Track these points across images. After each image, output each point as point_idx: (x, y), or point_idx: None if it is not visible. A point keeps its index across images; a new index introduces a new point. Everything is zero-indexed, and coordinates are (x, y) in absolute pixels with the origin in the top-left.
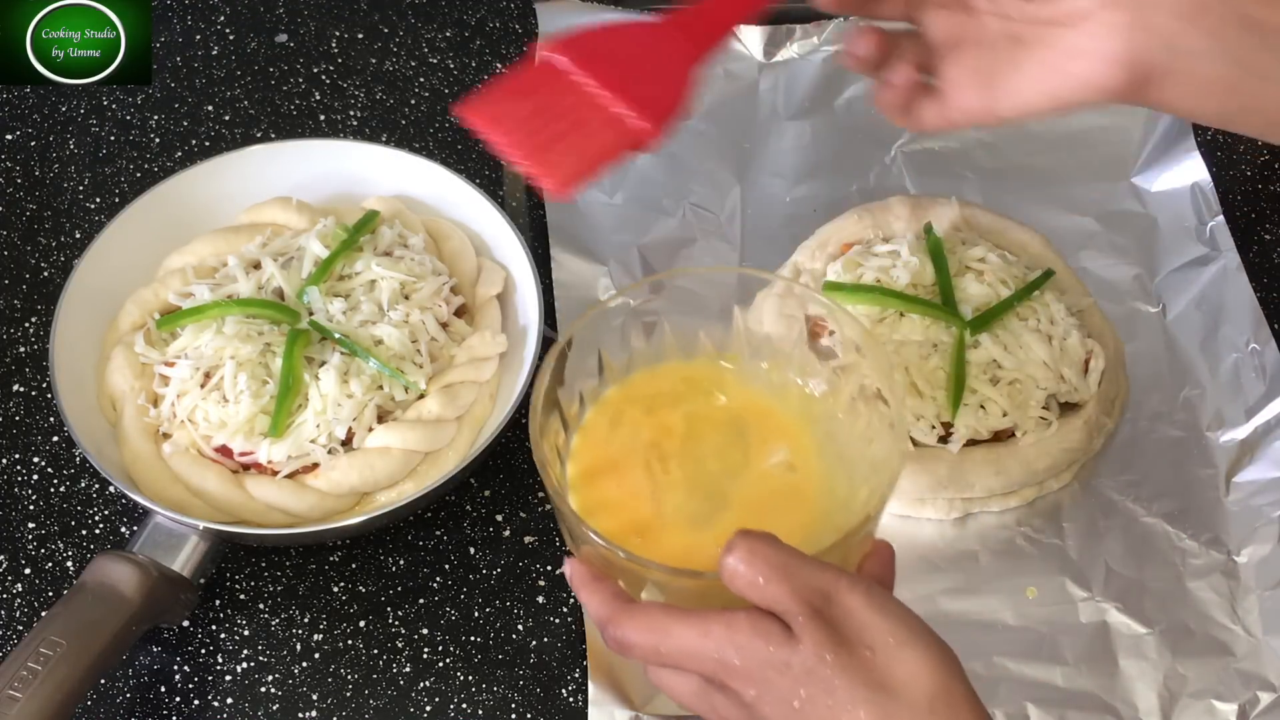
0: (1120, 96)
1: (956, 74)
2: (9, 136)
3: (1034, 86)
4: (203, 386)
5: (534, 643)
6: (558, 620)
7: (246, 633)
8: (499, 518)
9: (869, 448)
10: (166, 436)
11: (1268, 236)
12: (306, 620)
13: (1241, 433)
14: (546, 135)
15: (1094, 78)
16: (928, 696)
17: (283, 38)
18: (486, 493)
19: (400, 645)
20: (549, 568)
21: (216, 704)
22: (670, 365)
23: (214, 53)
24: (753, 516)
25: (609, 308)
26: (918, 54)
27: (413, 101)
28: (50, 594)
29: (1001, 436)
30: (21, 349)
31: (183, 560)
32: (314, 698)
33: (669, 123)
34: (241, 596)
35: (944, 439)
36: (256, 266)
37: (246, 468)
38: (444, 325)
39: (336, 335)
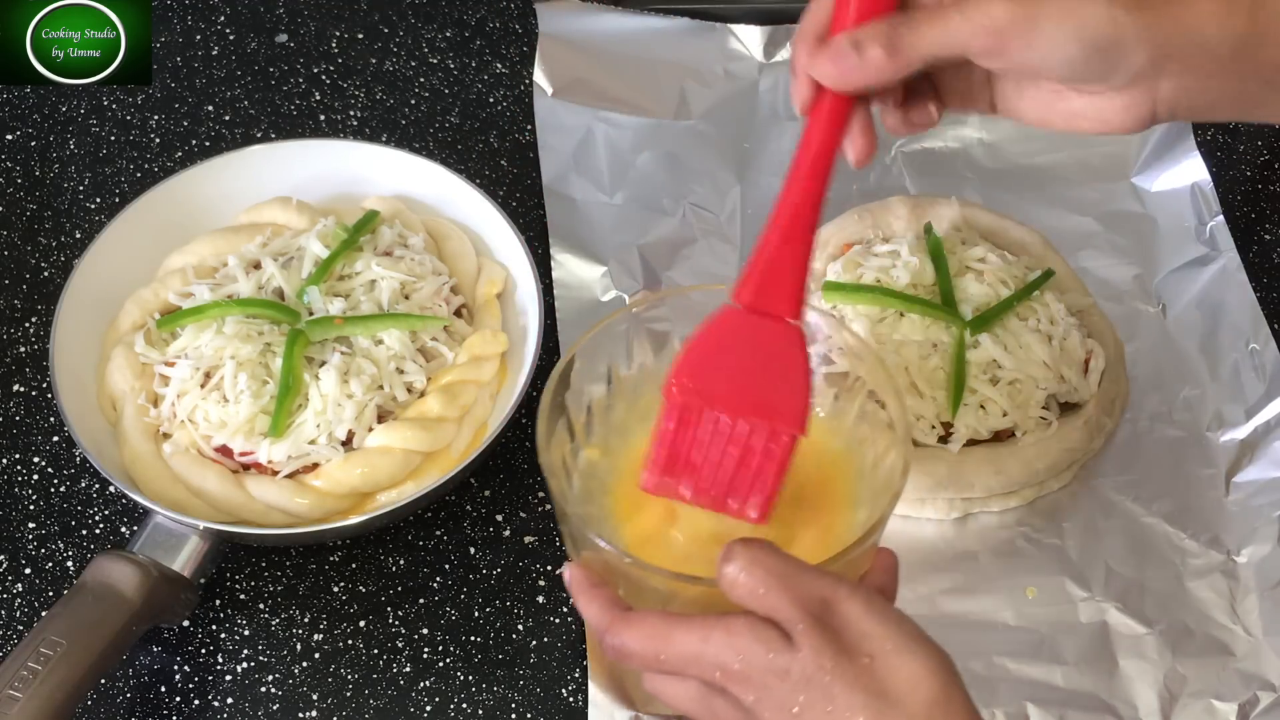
0: None
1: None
2: (9, 136)
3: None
4: (203, 386)
5: (534, 643)
6: (558, 620)
7: (246, 633)
8: (499, 518)
9: (876, 469)
10: (166, 436)
11: (1268, 236)
12: (306, 620)
13: (1241, 433)
14: (719, 485)
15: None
16: (925, 704)
17: (283, 38)
18: (486, 493)
19: (400, 645)
20: (549, 568)
21: (216, 704)
22: None
23: (214, 53)
24: (774, 530)
25: (615, 320)
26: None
27: (413, 101)
28: (50, 594)
29: (1002, 436)
30: (21, 349)
31: (183, 560)
32: (314, 698)
33: (807, 414)
34: (241, 596)
35: (944, 439)
36: (256, 266)
37: (246, 468)
38: (444, 325)
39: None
